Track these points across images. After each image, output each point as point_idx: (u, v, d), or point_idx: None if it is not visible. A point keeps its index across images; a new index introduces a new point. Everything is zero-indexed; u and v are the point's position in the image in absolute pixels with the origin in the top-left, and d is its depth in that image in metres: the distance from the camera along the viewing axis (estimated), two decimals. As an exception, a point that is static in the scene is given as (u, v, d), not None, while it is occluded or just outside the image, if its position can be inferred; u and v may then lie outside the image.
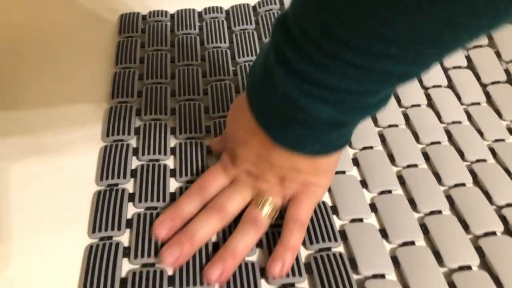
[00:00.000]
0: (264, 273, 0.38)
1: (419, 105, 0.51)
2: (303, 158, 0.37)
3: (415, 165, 0.45)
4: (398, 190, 0.44)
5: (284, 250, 0.37)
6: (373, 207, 0.42)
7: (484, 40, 0.57)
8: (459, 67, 0.55)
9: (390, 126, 0.49)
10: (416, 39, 0.26)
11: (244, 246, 0.37)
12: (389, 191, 0.44)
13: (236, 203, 0.39)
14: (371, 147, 0.47)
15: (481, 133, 0.49)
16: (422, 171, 0.45)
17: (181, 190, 0.43)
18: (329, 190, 0.43)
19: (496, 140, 0.48)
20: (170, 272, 0.37)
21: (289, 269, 0.37)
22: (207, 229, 0.37)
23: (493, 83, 0.54)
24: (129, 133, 0.47)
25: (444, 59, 0.28)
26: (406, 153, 0.46)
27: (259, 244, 0.39)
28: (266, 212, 0.38)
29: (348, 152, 0.47)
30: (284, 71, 0.31)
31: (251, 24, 0.59)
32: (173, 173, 0.44)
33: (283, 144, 0.36)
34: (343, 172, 0.45)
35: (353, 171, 0.45)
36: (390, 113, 0.50)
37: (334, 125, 0.34)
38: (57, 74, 0.54)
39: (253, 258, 0.39)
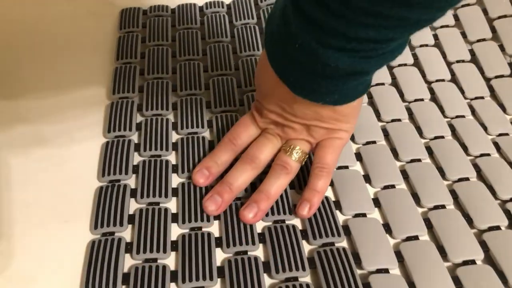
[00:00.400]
0: (266, 267, 0.37)
1: (422, 99, 0.51)
2: (324, 107, 0.38)
3: (419, 160, 0.45)
4: (402, 185, 0.44)
5: (311, 194, 0.40)
6: (376, 202, 0.42)
7: (488, 34, 0.57)
8: (463, 61, 0.55)
9: (393, 120, 0.49)
10: None
11: (277, 189, 0.40)
12: (393, 186, 0.43)
13: (267, 152, 0.41)
14: (374, 142, 0.47)
15: (484, 127, 0.48)
16: (425, 165, 0.45)
17: (183, 186, 0.42)
18: (332, 185, 0.43)
19: (500, 134, 0.48)
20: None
21: (315, 210, 0.40)
22: (243, 179, 0.41)
23: (497, 77, 0.53)
24: (130, 129, 0.47)
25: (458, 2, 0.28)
26: (409, 147, 0.46)
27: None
28: (295, 157, 0.41)
29: (351, 147, 0.46)
30: (301, 22, 0.31)
31: (252, 18, 0.59)
32: (175, 169, 0.44)
33: (303, 96, 0.37)
34: (346, 167, 0.45)
35: (357, 166, 0.45)
36: (393, 107, 0.50)
37: (352, 74, 0.34)
38: (58, 70, 0.54)
39: (257, 253, 0.39)
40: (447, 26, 0.58)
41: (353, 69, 0.33)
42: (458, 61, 0.55)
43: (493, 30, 0.57)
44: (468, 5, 0.59)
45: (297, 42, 0.32)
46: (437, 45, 0.56)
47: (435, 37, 0.56)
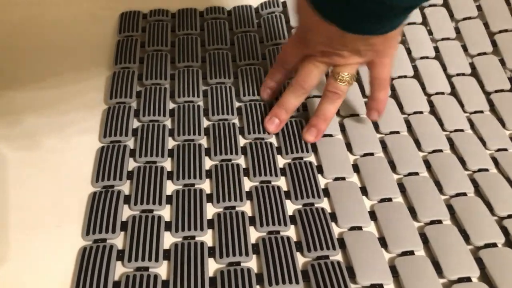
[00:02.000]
0: (260, 279, 0.37)
1: (421, 112, 0.51)
2: (375, 36, 0.40)
3: (416, 173, 0.45)
4: (399, 198, 0.43)
5: (377, 103, 0.47)
6: (372, 215, 0.42)
7: (488, 48, 0.56)
8: (463, 74, 0.54)
9: (391, 132, 0.48)
10: None
11: (333, 111, 0.46)
12: (389, 199, 0.43)
13: (315, 77, 0.45)
14: (372, 154, 0.46)
15: (483, 142, 0.48)
16: (423, 179, 0.44)
17: (178, 194, 0.42)
18: (328, 196, 0.43)
19: (499, 150, 0.48)
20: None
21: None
22: (295, 103, 0.46)
23: (497, 91, 0.53)
24: (126, 135, 0.46)
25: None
26: (407, 160, 0.45)
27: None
28: (345, 81, 0.44)
29: (349, 158, 0.46)
30: None
31: (253, 26, 0.58)
32: (170, 176, 0.44)
33: (357, 33, 0.39)
34: (343, 179, 0.44)
35: (353, 178, 0.45)
36: (391, 119, 0.49)
37: (408, 9, 0.37)
38: (56, 73, 0.53)
39: (250, 264, 0.38)
40: (448, 38, 0.57)
41: (415, 4, 0.36)
42: (458, 74, 0.54)
43: (494, 44, 0.57)
44: (469, 18, 0.59)
45: None
46: (438, 57, 0.56)
47: (436, 49, 0.56)
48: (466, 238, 0.40)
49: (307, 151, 0.46)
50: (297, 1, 0.42)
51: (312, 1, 0.39)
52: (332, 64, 0.43)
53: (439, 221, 0.41)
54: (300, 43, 0.44)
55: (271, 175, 0.44)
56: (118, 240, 0.39)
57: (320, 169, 0.45)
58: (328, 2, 0.37)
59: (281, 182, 0.44)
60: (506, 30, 0.58)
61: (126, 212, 0.41)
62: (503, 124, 0.50)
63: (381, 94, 0.46)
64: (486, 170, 0.46)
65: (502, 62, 0.55)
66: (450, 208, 0.42)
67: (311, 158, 0.46)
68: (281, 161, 0.46)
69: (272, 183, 0.44)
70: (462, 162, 0.46)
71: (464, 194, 0.43)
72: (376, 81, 0.45)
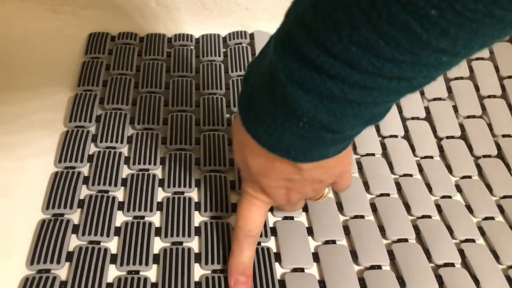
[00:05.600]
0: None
1: (396, 136, 0.54)
2: (331, 160, 0.35)
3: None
4: (343, 241, 0.44)
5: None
6: (316, 256, 0.43)
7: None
8: (474, 116, 0.56)
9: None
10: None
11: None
12: (334, 241, 0.44)
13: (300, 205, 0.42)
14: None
15: (450, 169, 0.51)
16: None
17: (127, 226, 0.42)
18: (276, 235, 0.44)
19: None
20: None
21: None
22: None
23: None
24: (81, 161, 0.47)
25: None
26: (380, 181, 0.48)
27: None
28: (324, 198, 0.42)
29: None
30: (311, 99, 0.28)
31: (219, 56, 0.59)
32: (121, 207, 0.44)
33: (314, 160, 0.34)
34: (292, 218, 0.45)
35: (302, 218, 0.46)
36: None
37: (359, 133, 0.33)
38: (17, 90, 0.53)
39: None
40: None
41: (362, 130, 0.32)
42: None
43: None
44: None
45: (302, 119, 0.30)
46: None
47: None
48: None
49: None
50: (239, 143, 0.36)
51: (252, 133, 0.34)
52: (304, 198, 0.40)
53: (379, 266, 0.42)
54: (258, 196, 0.38)
55: (221, 210, 0.45)
56: (63, 271, 0.40)
57: (270, 208, 0.46)
58: (274, 134, 0.32)
59: (232, 218, 0.45)
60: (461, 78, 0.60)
61: (74, 242, 0.41)
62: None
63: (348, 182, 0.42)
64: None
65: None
66: (390, 253, 0.43)
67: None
68: (234, 196, 0.47)
69: (223, 219, 0.45)
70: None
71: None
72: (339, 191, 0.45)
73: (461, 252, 0.44)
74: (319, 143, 0.32)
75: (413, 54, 0.25)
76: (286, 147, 0.32)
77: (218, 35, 0.61)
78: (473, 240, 0.46)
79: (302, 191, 0.37)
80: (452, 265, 0.43)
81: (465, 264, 0.44)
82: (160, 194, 0.46)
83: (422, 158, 0.52)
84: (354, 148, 0.52)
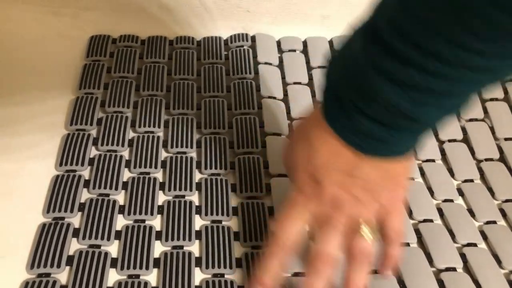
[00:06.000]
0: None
1: (472, 180, 0.52)
2: (394, 162, 0.35)
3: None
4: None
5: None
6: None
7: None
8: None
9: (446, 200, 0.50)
10: None
11: (364, 282, 0.36)
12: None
13: (337, 243, 0.36)
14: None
15: (451, 173, 0.51)
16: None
17: (127, 229, 0.42)
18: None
19: (465, 181, 0.50)
20: None
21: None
22: (324, 284, 0.35)
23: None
24: (82, 164, 0.47)
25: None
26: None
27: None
28: (371, 238, 0.36)
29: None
30: (396, 89, 0.30)
31: (220, 58, 0.59)
32: (121, 210, 0.44)
33: (383, 155, 0.34)
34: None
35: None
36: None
37: (438, 125, 0.33)
38: (18, 93, 0.53)
39: (232, 276, 0.40)
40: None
41: (442, 121, 0.32)
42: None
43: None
44: None
45: (381, 103, 0.31)
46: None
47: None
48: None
49: (261, 191, 0.47)
50: (305, 132, 0.36)
51: (327, 119, 0.34)
52: (350, 216, 0.35)
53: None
54: (302, 202, 0.36)
55: (222, 214, 0.45)
56: (63, 275, 0.39)
57: (271, 211, 0.46)
58: (349, 120, 0.33)
59: (232, 222, 0.45)
60: None
61: (75, 245, 0.41)
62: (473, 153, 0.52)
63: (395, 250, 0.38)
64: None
65: None
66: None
67: (264, 197, 0.47)
68: (235, 200, 0.47)
69: (223, 223, 0.44)
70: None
71: (408, 244, 0.45)
72: (391, 236, 0.37)
73: (463, 257, 0.44)
74: (395, 137, 0.33)
75: (504, 47, 0.26)
76: (361, 138, 0.33)
77: (220, 38, 0.61)
78: (475, 244, 0.46)
79: (354, 192, 0.35)
80: (454, 269, 0.43)
81: (467, 268, 0.44)
82: (161, 198, 0.46)
83: (423, 161, 0.52)
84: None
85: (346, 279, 0.36)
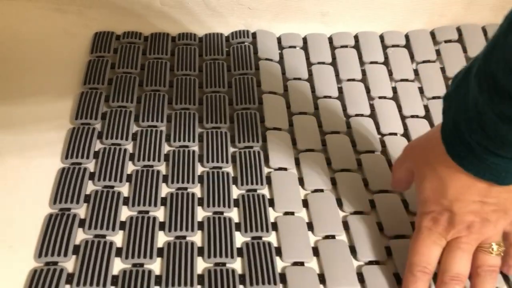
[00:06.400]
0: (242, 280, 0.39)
1: (395, 134, 0.54)
2: None
3: (386, 191, 0.48)
4: (342, 236, 0.45)
5: None
6: (315, 251, 0.44)
7: (442, 91, 0.59)
8: (417, 116, 0.57)
9: (342, 170, 0.51)
10: None
11: None
12: (333, 236, 0.45)
13: (467, 263, 0.39)
14: (321, 190, 0.49)
15: None
16: (392, 197, 0.47)
17: (132, 220, 0.44)
18: (276, 230, 0.45)
19: None
20: None
21: None
22: None
23: None
24: (87, 157, 0.48)
25: None
26: (380, 179, 0.48)
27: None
28: (498, 253, 0.39)
29: (300, 194, 0.48)
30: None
31: (222, 54, 0.60)
32: (126, 201, 0.45)
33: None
34: (292, 213, 0.47)
35: (302, 213, 0.47)
36: (344, 158, 0.51)
37: None
38: (24, 88, 0.55)
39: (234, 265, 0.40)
40: (406, 80, 0.60)
41: None
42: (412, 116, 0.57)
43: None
44: (428, 61, 0.61)
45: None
46: (395, 98, 0.58)
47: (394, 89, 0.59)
48: (398, 279, 0.43)
49: (262, 184, 0.48)
50: (432, 167, 0.38)
51: (456, 156, 0.36)
52: (480, 236, 0.39)
53: (377, 262, 0.44)
54: (437, 230, 0.39)
55: (223, 205, 0.46)
56: (70, 264, 0.41)
57: (272, 203, 0.47)
58: (483, 161, 0.35)
59: (233, 213, 0.46)
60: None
61: (81, 235, 0.43)
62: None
63: None
64: None
65: None
66: (388, 249, 0.44)
67: (265, 190, 0.48)
68: (235, 192, 0.48)
69: (225, 214, 0.46)
70: (405, 204, 0.49)
71: (404, 236, 0.46)
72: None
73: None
74: None
75: None
76: (494, 173, 0.35)
77: (221, 34, 0.62)
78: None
79: (486, 216, 0.38)
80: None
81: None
82: (164, 190, 0.47)
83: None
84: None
85: None
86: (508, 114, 0.31)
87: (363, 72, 0.60)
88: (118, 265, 0.41)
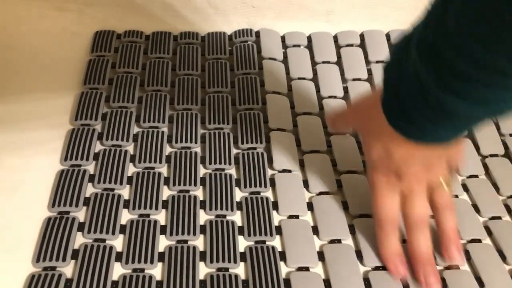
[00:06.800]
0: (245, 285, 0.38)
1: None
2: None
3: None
4: (348, 240, 0.44)
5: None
6: (321, 255, 0.43)
7: None
8: None
9: (348, 172, 0.49)
10: None
11: (455, 223, 0.42)
12: (339, 241, 0.44)
13: (425, 203, 0.42)
14: (327, 193, 0.47)
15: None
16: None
17: (132, 224, 0.43)
18: (281, 234, 0.44)
19: (470, 176, 0.49)
20: None
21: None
22: (428, 242, 0.41)
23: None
24: (87, 159, 0.47)
25: None
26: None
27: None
28: (447, 184, 0.42)
29: (304, 197, 0.47)
30: (468, 105, 0.33)
31: (225, 54, 0.59)
32: (126, 204, 0.44)
33: (450, 141, 0.39)
34: (297, 217, 0.45)
35: (307, 216, 0.46)
36: (349, 160, 0.50)
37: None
38: (23, 88, 0.54)
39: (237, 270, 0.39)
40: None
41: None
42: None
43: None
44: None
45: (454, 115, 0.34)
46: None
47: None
48: (406, 286, 0.41)
49: (265, 186, 0.47)
50: (376, 134, 0.41)
51: (395, 125, 0.38)
52: (430, 177, 0.41)
53: (384, 267, 0.42)
54: (391, 183, 0.41)
55: (226, 208, 0.45)
56: (68, 269, 0.40)
57: (276, 206, 0.46)
58: (414, 124, 0.37)
59: (236, 217, 0.45)
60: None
61: (80, 239, 0.42)
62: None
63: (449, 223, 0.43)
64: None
65: None
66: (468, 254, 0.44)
67: (268, 193, 0.47)
68: (238, 194, 0.47)
69: (227, 217, 0.45)
70: None
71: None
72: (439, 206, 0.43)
73: (467, 253, 0.44)
74: (465, 129, 0.38)
75: None
76: (436, 138, 0.38)
77: (224, 33, 0.61)
78: (479, 240, 0.45)
79: (434, 162, 0.41)
80: (457, 267, 0.43)
81: (471, 265, 0.43)
82: (166, 192, 0.46)
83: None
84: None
85: (440, 224, 0.42)
86: (449, 84, 0.32)
87: (369, 72, 0.59)
88: (118, 270, 0.40)
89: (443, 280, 0.42)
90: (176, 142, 0.50)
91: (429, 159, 0.40)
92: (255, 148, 0.50)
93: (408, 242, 0.42)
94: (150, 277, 0.39)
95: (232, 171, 0.48)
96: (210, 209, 0.45)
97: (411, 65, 0.34)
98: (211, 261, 0.41)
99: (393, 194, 0.41)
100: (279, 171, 0.49)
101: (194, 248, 0.42)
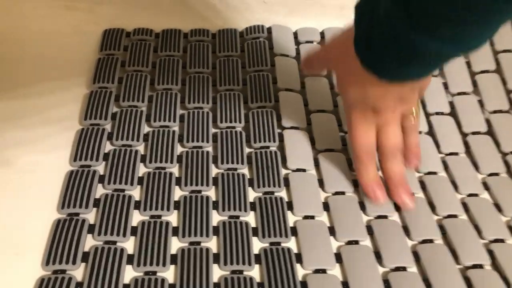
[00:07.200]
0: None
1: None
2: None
3: (412, 193, 0.45)
4: (366, 241, 0.43)
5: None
6: (338, 257, 0.41)
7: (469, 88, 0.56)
8: (500, 111, 0.54)
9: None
10: None
11: (418, 139, 0.47)
12: (356, 242, 0.43)
13: (399, 132, 0.44)
14: (343, 193, 0.46)
15: (476, 166, 0.49)
16: (418, 199, 0.45)
17: (143, 225, 0.41)
18: (296, 235, 0.42)
19: (491, 174, 0.49)
20: None
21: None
22: (401, 166, 0.45)
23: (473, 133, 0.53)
24: (97, 159, 0.46)
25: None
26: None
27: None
28: (419, 114, 0.46)
29: (320, 197, 0.46)
30: (438, 43, 0.33)
31: (236, 51, 0.58)
32: (137, 205, 0.43)
33: (423, 77, 0.40)
34: (312, 217, 0.44)
35: (323, 217, 0.44)
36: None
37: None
38: (33, 87, 0.53)
39: (252, 273, 0.38)
40: (487, 71, 0.57)
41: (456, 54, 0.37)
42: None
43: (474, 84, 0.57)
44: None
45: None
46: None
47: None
48: (429, 286, 0.40)
49: (279, 186, 0.46)
50: (352, 75, 0.42)
51: (366, 63, 0.39)
52: (402, 111, 0.44)
53: (404, 268, 0.41)
54: (367, 117, 0.43)
55: (240, 209, 0.44)
56: (78, 272, 0.39)
57: (290, 206, 0.45)
58: (382, 61, 0.38)
59: (250, 217, 0.44)
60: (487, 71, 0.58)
61: (90, 242, 0.41)
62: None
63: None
64: (456, 216, 0.45)
65: (481, 103, 0.55)
66: (415, 254, 0.42)
67: (283, 193, 0.46)
68: (252, 194, 0.46)
69: (241, 218, 0.43)
70: (432, 207, 0.46)
71: (431, 241, 0.43)
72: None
73: (491, 253, 0.42)
74: (437, 66, 0.41)
75: None
76: (408, 77, 0.39)
77: (235, 30, 0.60)
78: (502, 240, 0.44)
79: (406, 96, 0.43)
80: (481, 266, 0.42)
81: (495, 265, 0.42)
82: (177, 193, 0.45)
83: (447, 155, 0.50)
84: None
85: (408, 142, 0.46)
86: (419, 23, 0.33)
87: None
88: (129, 273, 0.39)
89: (468, 279, 0.40)
90: (188, 141, 0.49)
91: (403, 94, 0.42)
92: (268, 147, 0.49)
93: (384, 168, 0.45)
94: (163, 280, 0.38)
95: (245, 170, 0.47)
96: (223, 209, 0.43)
97: (382, 5, 0.35)
98: (225, 264, 0.40)
99: (369, 127, 0.44)
100: (293, 170, 0.47)
101: (208, 250, 0.40)
